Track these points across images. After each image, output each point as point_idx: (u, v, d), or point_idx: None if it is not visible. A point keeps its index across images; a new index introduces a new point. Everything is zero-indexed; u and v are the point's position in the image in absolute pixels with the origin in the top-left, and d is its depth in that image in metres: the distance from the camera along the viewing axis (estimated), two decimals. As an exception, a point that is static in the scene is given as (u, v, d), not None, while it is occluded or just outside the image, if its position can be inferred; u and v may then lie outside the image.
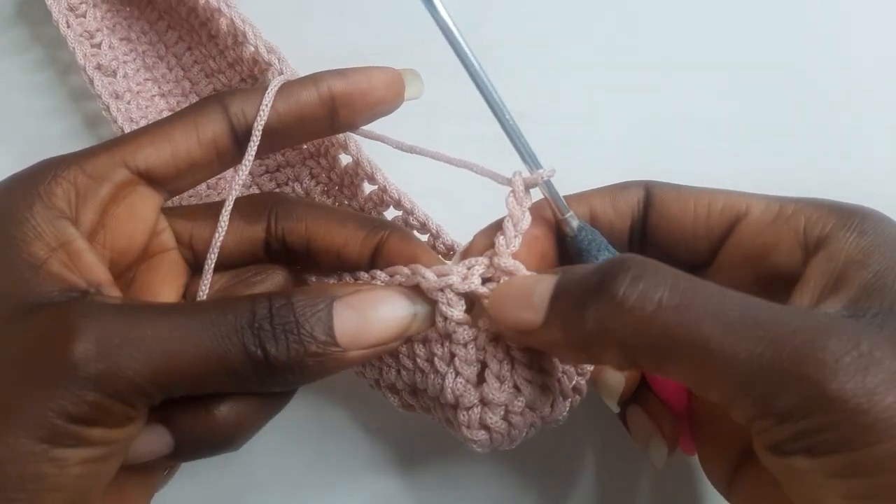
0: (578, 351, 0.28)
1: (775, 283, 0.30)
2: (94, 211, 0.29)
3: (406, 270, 0.32)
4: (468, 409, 0.31)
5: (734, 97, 0.46)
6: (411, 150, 0.36)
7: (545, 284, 0.28)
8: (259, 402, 0.29)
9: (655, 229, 0.33)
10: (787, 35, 0.47)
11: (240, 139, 0.32)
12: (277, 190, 0.43)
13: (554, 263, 0.34)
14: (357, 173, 0.40)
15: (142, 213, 0.31)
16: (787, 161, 0.46)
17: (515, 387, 0.31)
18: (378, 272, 0.33)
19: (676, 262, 0.28)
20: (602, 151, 0.45)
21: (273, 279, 0.34)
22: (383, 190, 0.39)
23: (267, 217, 0.34)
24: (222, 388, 0.28)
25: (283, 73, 0.40)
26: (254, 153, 0.32)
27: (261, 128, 0.32)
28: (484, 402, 0.31)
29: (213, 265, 0.32)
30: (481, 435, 0.31)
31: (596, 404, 0.37)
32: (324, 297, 0.28)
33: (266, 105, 0.32)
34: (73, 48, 0.43)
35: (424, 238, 0.38)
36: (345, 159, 0.40)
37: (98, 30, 0.46)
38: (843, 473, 0.23)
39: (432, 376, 0.32)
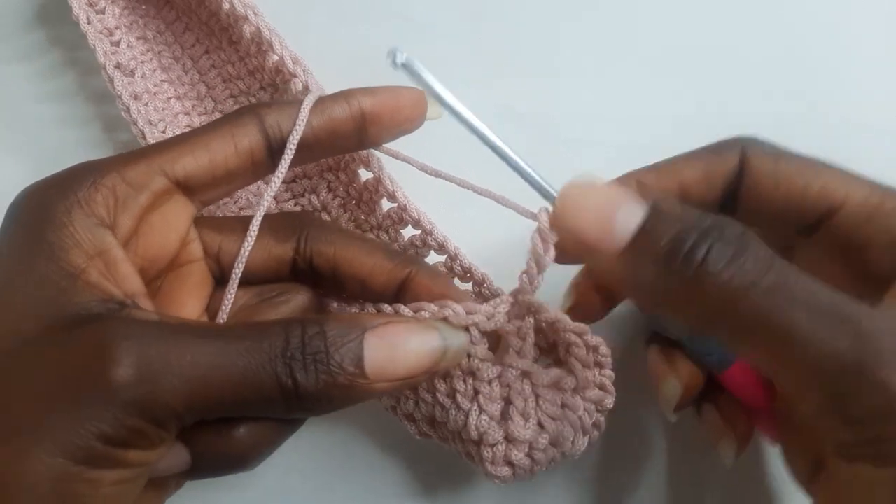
0: (646, 299, 0.27)
1: (867, 281, 0.29)
2: (132, 219, 0.29)
3: (433, 307, 0.32)
4: (493, 446, 0.31)
5: (735, 98, 0.46)
6: (436, 174, 0.36)
7: (632, 213, 0.26)
8: (276, 424, 0.29)
9: (745, 204, 0.32)
10: (789, 35, 0.47)
11: (273, 151, 0.32)
12: (293, 201, 0.43)
13: None
14: (377, 190, 0.40)
15: (175, 223, 0.31)
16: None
17: (539, 424, 0.32)
18: (401, 306, 0.33)
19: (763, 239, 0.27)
20: (601, 151, 0.45)
21: (297, 300, 0.34)
22: (403, 209, 0.39)
23: (298, 237, 0.34)
24: (251, 412, 0.28)
25: (307, 84, 0.40)
26: (287, 166, 0.32)
27: (296, 141, 0.32)
28: (509, 439, 0.31)
29: (237, 281, 0.32)
30: (505, 471, 0.32)
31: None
32: (356, 328, 0.28)
33: (302, 119, 0.32)
34: (94, 45, 0.42)
35: (442, 259, 0.38)
36: (364, 174, 0.41)
37: (117, 27, 0.45)
38: None
39: (454, 412, 0.32)
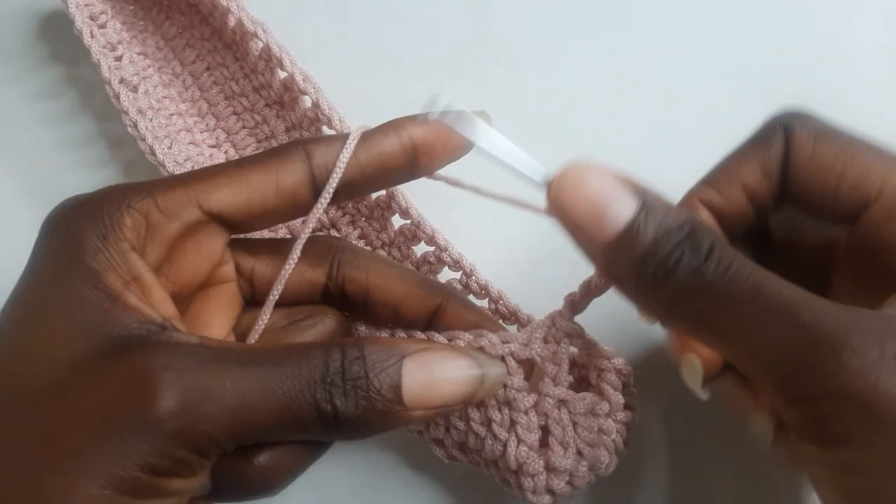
0: (620, 288, 0.28)
1: (892, 281, 0.29)
2: (162, 247, 0.29)
3: (468, 336, 0.32)
4: (533, 476, 0.31)
5: (735, 98, 0.46)
6: (492, 195, 0.34)
7: (623, 209, 0.26)
8: (301, 449, 0.29)
9: (790, 194, 0.31)
10: (789, 35, 0.47)
11: (319, 190, 0.31)
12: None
13: None
14: (389, 206, 0.40)
15: (208, 251, 0.31)
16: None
17: (578, 452, 0.32)
18: (435, 334, 0.33)
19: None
20: (601, 151, 0.44)
21: (325, 324, 0.33)
22: (416, 225, 0.39)
23: (330, 262, 0.34)
24: (288, 437, 0.28)
25: (318, 102, 0.40)
26: (322, 209, 0.31)
27: (335, 183, 0.31)
28: (549, 468, 0.31)
29: (272, 305, 0.32)
30: (546, 500, 0.32)
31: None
32: (395, 354, 0.28)
33: (344, 159, 0.31)
34: (98, 60, 0.42)
35: (457, 275, 0.38)
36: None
37: (119, 42, 0.44)
38: (843, 469, 0.24)
39: (490, 441, 0.32)
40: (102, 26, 0.44)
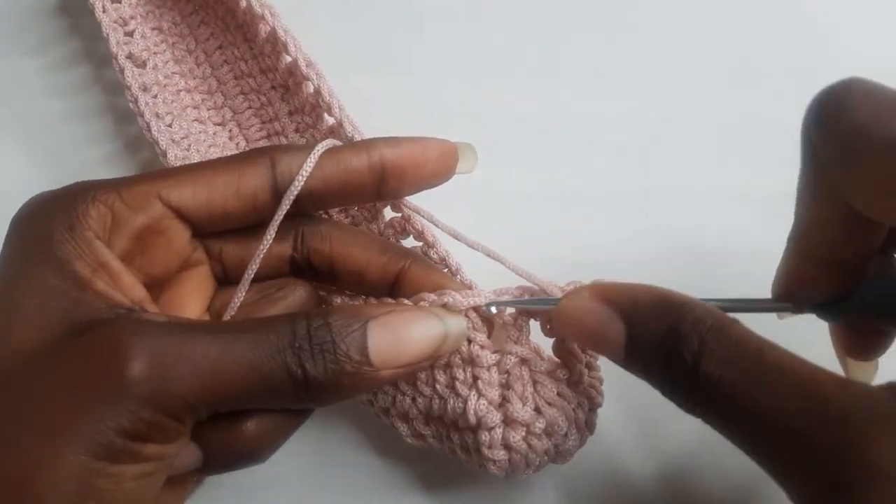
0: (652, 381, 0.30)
1: None
2: (127, 238, 0.30)
3: (432, 296, 0.33)
4: (490, 429, 0.32)
5: (735, 98, 0.46)
6: (455, 235, 0.36)
7: (617, 332, 0.29)
8: (284, 416, 0.30)
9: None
10: (789, 36, 0.47)
11: (280, 196, 0.31)
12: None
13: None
14: (404, 229, 0.39)
15: (178, 244, 0.31)
16: (790, 161, 0.45)
17: (537, 409, 0.33)
18: (404, 300, 0.34)
19: None
20: (599, 151, 0.45)
21: (296, 295, 0.34)
22: (407, 219, 0.38)
23: (294, 236, 0.34)
24: (261, 404, 0.28)
25: (319, 88, 0.40)
26: (281, 216, 0.32)
27: (295, 193, 0.31)
28: (507, 421, 0.32)
29: (246, 286, 0.32)
30: (501, 454, 0.32)
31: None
32: (359, 318, 0.29)
33: (305, 171, 0.31)
34: (107, 34, 0.42)
35: (419, 245, 0.38)
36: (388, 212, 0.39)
37: (132, 17, 0.45)
38: None
39: (452, 400, 0.33)
40: (117, 0, 0.45)
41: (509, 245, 0.42)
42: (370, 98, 0.41)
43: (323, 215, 0.41)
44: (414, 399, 0.35)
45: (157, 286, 0.32)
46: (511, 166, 0.43)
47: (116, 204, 0.29)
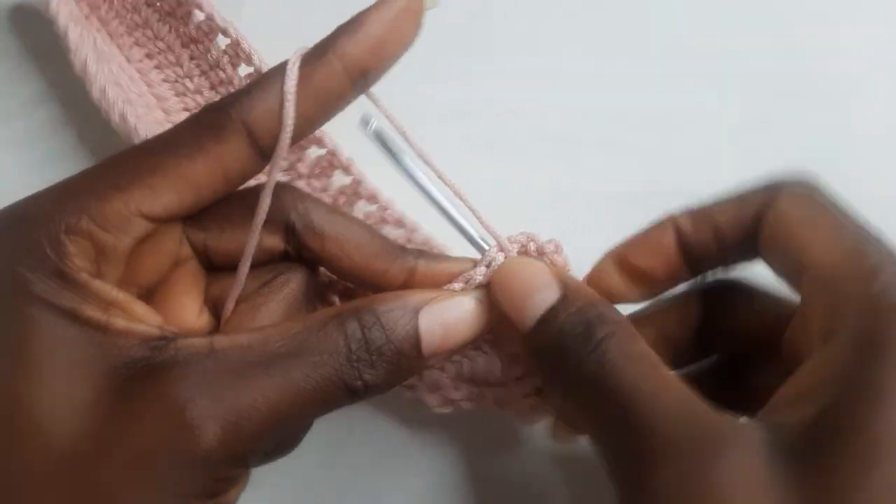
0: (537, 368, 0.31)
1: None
2: (118, 265, 0.27)
3: (458, 284, 0.32)
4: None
5: (734, 98, 0.45)
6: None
7: (543, 300, 0.29)
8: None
9: (756, 249, 0.30)
10: (788, 36, 0.47)
11: (265, 153, 0.28)
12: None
13: (679, 267, 0.32)
14: (331, 164, 0.38)
15: (166, 249, 0.29)
16: (790, 161, 0.43)
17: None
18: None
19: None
20: (598, 150, 0.45)
21: (297, 279, 0.32)
22: (358, 182, 0.37)
23: (284, 227, 0.31)
24: (317, 417, 0.29)
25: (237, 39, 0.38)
26: (276, 176, 0.29)
27: (286, 146, 0.28)
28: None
29: (238, 290, 0.30)
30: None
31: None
32: (408, 309, 0.29)
33: (289, 123, 0.27)
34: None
35: (400, 233, 0.37)
36: (314, 151, 0.38)
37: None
38: None
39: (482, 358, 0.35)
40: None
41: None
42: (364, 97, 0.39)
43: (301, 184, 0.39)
44: (442, 368, 0.35)
45: (151, 293, 0.30)
46: (511, 165, 0.43)
47: (96, 233, 0.26)
